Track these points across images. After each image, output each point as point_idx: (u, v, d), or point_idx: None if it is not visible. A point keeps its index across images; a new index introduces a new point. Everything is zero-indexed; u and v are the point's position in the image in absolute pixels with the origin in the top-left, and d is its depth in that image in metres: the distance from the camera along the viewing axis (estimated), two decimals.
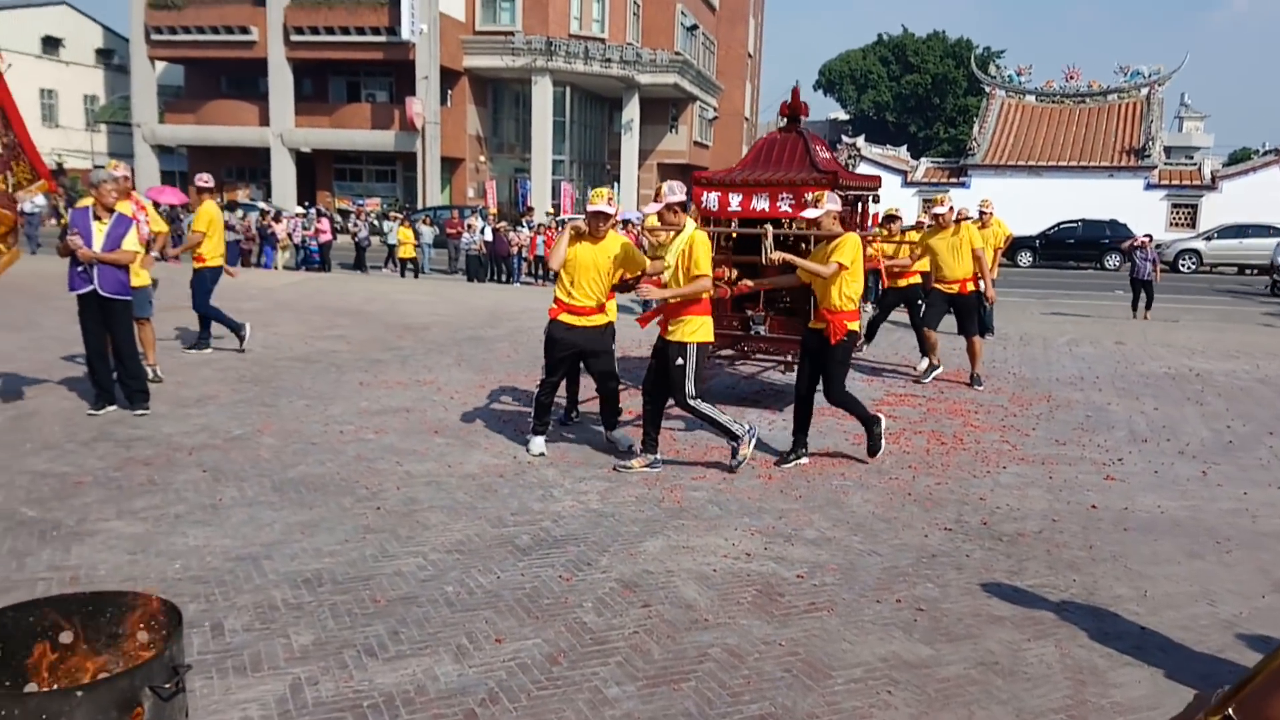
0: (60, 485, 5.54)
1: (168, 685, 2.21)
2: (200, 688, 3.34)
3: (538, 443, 6.55)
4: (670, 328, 6.09)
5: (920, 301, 10.30)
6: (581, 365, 6.84)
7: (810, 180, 7.69)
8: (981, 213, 13.38)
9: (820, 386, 6.52)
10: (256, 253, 22.51)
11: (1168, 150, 46.09)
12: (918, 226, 16.11)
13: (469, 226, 22.38)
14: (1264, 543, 5.23)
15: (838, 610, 4.21)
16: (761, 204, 7.90)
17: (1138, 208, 34.36)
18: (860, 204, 8.91)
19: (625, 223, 22.53)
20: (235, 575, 4.34)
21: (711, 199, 8.05)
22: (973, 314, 9.63)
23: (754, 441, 6.29)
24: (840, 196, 7.40)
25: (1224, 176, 36.24)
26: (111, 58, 50.88)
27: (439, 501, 5.50)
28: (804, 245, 8.51)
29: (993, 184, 35.12)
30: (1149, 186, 36.20)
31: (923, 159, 42.74)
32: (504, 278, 21.99)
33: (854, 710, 3.38)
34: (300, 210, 27.42)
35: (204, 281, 9.88)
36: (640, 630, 3.94)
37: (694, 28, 47.42)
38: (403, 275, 22.19)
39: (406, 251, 22.30)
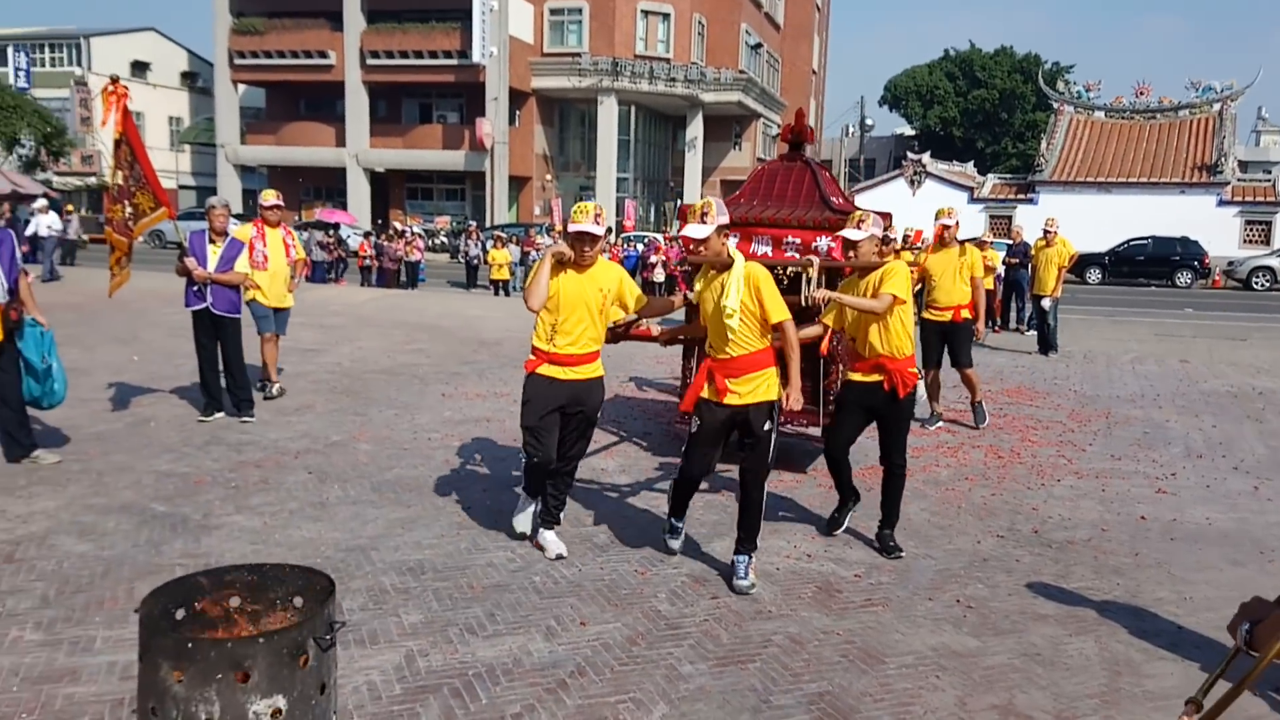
0: (182, 484, 6.13)
1: (327, 637, 2.69)
2: None
3: (523, 519, 5.26)
4: (738, 387, 4.67)
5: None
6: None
7: (824, 222, 6.55)
8: (1045, 231, 13.60)
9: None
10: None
11: (1245, 165, 45.16)
12: (908, 247, 14.68)
13: (536, 245, 22.98)
14: None
15: (892, 606, 4.58)
16: (764, 248, 6.69)
17: (1210, 224, 33.88)
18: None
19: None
20: (347, 563, 4.85)
21: None
22: (966, 342, 8.48)
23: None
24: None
25: None
26: (196, 81, 53.09)
27: None
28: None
29: (1061, 200, 34.93)
30: (1221, 203, 35.66)
31: (990, 175, 42.57)
32: None
33: (904, 691, 3.75)
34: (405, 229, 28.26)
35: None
36: (710, 619, 4.35)
37: (758, 46, 47.86)
38: (496, 294, 21.82)
39: (500, 273, 22.10)
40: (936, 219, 8.43)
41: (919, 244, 15.26)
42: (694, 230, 4.61)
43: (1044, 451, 7.76)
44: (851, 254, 5.27)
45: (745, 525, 4.79)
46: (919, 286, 8.64)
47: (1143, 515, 6.10)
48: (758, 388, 4.66)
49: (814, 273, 5.64)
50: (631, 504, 6.05)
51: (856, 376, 5.37)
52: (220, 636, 2.75)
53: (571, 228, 4.77)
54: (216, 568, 3.04)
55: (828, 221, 6.52)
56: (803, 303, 5.53)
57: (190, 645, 2.54)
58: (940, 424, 8.57)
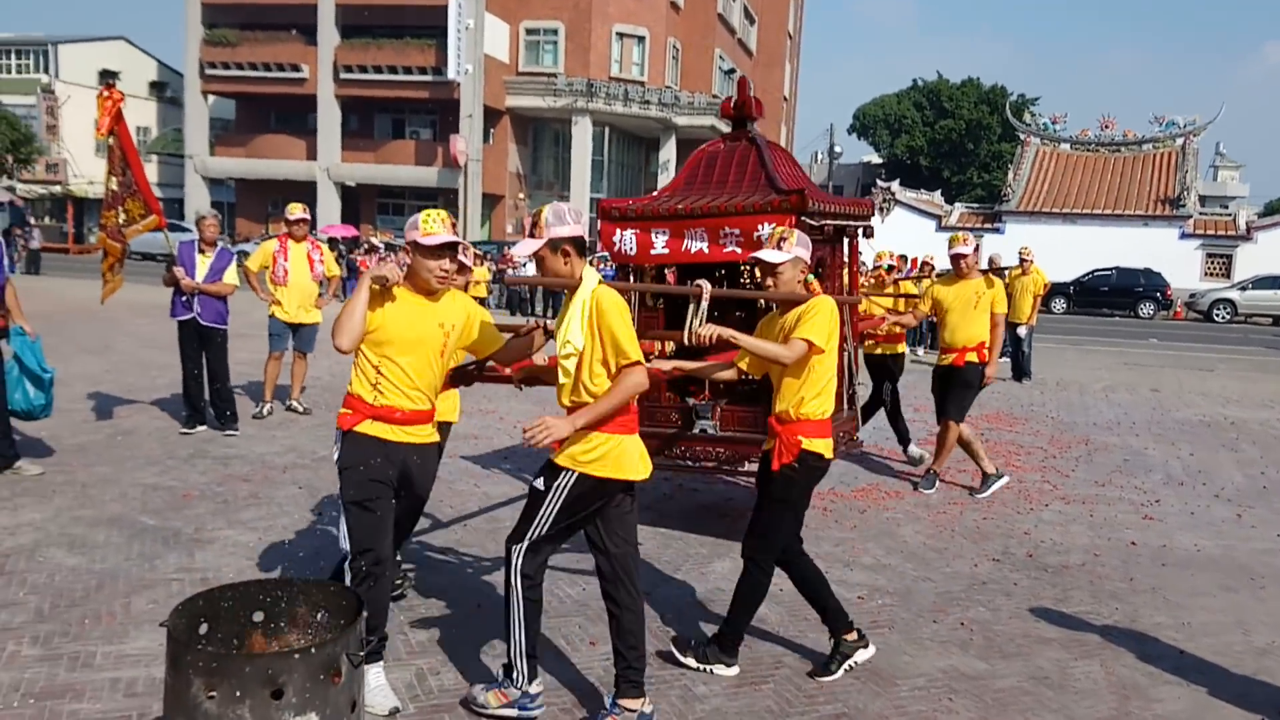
0: (170, 497, 6.02)
1: (360, 654, 2.65)
2: None
3: (382, 686, 3.56)
4: (569, 447, 3.54)
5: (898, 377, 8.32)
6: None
7: (766, 205, 5.30)
8: (1022, 260, 13.74)
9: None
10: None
11: (1203, 199, 46.19)
12: (925, 274, 12.79)
13: (513, 263, 22.97)
14: None
15: (898, 628, 4.58)
16: (698, 244, 5.53)
17: (1172, 257, 34.54)
18: (846, 241, 6.38)
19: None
20: None
21: (628, 239, 5.60)
22: (966, 393, 7.20)
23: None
24: (814, 228, 5.37)
25: (1259, 227, 36.36)
26: (164, 91, 52.50)
27: None
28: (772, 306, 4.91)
29: (1027, 230, 35.37)
30: (1184, 236, 36.37)
31: (957, 204, 43.14)
32: (549, 311, 22.58)
33: (919, 713, 3.75)
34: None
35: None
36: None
37: (731, 71, 48.24)
38: None
39: (479, 290, 21.29)
40: (950, 247, 7.22)
41: (921, 272, 13.78)
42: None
43: (1029, 477, 7.83)
44: (770, 282, 4.01)
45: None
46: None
47: (1133, 541, 6.17)
48: (586, 452, 3.49)
49: (702, 302, 4.09)
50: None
51: (765, 444, 4.17)
52: (255, 651, 2.70)
53: (427, 240, 3.47)
54: (240, 582, 2.98)
55: (770, 205, 5.27)
56: (685, 340, 4.03)
57: (224, 660, 2.49)
58: (934, 489, 7.27)
